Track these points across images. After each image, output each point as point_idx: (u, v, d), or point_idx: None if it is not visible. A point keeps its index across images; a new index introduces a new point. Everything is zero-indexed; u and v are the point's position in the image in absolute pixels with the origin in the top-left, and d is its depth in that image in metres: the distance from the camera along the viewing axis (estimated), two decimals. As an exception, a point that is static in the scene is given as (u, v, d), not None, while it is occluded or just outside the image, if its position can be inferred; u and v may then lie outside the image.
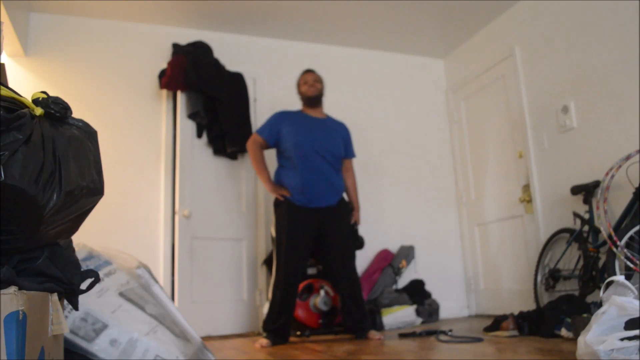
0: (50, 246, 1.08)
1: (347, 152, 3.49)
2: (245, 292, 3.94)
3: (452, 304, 4.48)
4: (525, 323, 2.90)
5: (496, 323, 2.98)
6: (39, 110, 1.01)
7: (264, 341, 3.05)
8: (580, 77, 3.49)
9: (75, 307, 1.20)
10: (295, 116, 3.41)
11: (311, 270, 3.68)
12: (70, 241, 1.25)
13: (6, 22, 3.20)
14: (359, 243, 3.57)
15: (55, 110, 1.04)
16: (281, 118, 3.39)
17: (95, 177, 1.11)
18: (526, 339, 2.73)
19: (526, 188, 3.96)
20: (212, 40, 4.15)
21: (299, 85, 3.47)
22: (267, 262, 3.82)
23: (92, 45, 3.96)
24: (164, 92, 4.03)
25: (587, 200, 3.25)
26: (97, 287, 1.77)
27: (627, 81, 3.14)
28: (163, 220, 3.86)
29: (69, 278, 1.11)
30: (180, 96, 3.91)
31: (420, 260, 4.46)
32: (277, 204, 3.32)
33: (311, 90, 3.39)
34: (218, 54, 4.13)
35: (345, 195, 3.49)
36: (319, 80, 3.44)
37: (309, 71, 3.48)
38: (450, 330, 3.15)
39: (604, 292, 1.89)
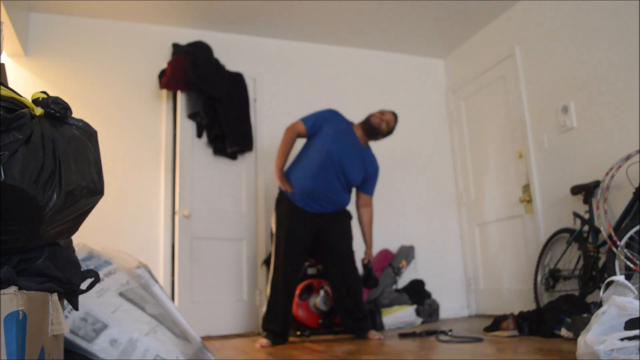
0: (50, 246, 1.08)
1: (366, 186, 3.39)
2: (245, 292, 3.94)
3: (452, 304, 4.48)
4: (525, 323, 2.90)
5: (496, 323, 2.98)
6: (39, 110, 1.01)
7: (264, 341, 3.05)
8: (580, 77, 3.49)
9: (75, 307, 1.20)
10: (343, 125, 3.34)
11: (311, 270, 3.68)
12: (70, 241, 1.25)
13: (6, 22, 3.20)
14: (374, 282, 3.43)
15: (55, 110, 1.04)
16: (330, 117, 3.34)
17: (95, 177, 1.11)
18: (526, 339, 2.73)
19: (526, 188, 3.96)
20: (212, 40, 4.15)
21: (374, 113, 3.37)
22: (267, 262, 3.82)
23: (92, 45, 3.96)
24: (164, 92, 4.03)
25: (587, 200, 3.25)
26: (97, 287, 1.77)
27: (627, 81, 3.14)
28: (163, 220, 3.86)
29: (69, 278, 1.11)
30: (180, 96, 3.91)
31: (420, 260, 4.46)
32: (279, 202, 3.32)
33: (380, 124, 3.30)
34: (218, 54, 4.13)
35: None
36: (392, 126, 3.36)
37: (394, 115, 3.39)
38: (450, 330, 3.15)
39: (604, 292, 1.89)
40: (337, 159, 3.20)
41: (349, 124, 3.40)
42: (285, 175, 3.28)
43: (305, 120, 3.32)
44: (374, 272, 3.48)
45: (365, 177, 3.36)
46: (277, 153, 3.30)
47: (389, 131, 3.38)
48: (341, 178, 3.24)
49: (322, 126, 3.29)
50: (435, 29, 4.46)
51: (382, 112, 3.37)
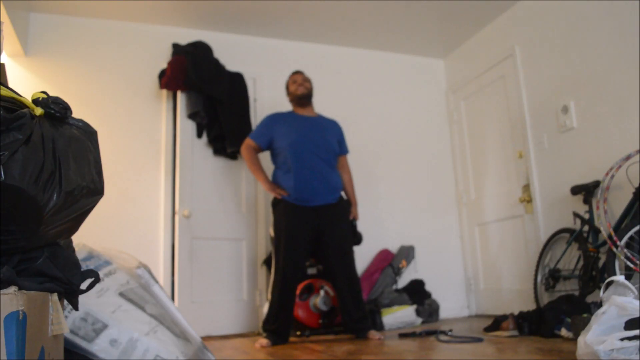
0: (50, 246, 1.08)
1: (341, 148, 3.52)
2: (245, 292, 3.94)
3: (452, 304, 4.48)
4: (525, 323, 2.90)
5: (496, 323, 2.98)
6: (39, 110, 1.01)
7: (264, 341, 3.05)
8: (580, 77, 3.49)
9: (75, 307, 1.20)
10: (287, 117, 3.44)
11: (311, 270, 3.68)
12: (70, 241, 1.25)
13: (6, 22, 3.20)
14: (357, 239, 3.58)
15: (55, 110, 1.04)
16: (273, 121, 3.42)
17: (95, 177, 1.11)
18: (526, 339, 2.73)
19: (526, 188, 3.96)
20: (212, 40, 4.15)
21: (287, 86, 3.51)
22: (267, 262, 3.82)
23: (92, 45, 3.96)
24: (164, 92, 4.03)
25: (587, 200, 3.25)
26: (97, 287, 1.77)
27: (627, 81, 3.14)
28: (163, 220, 3.86)
29: (69, 278, 1.11)
30: (180, 96, 3.91)
31: (420, 260, 4.46)
32: (275, 204, 3.33)
33: (300, 89, 3.42)
34: (218, 54, 4.13)
35: (343, 193, 3.49)
36: (307, 79, 3.48)
37: (297, 72, 3.53)
38: (450, 330, 3.15)
39: (604, 292, 1.89)
40: (309, 144, 3.28)
41: (290, 112, 3.49)
42: (279, 197, 3.32)
43: (253, 136, 3.44)
44: (358, 230, 3.60)
45: (338, 140, 3.47)
46: (252, 172, 3.42)
47: (310, 88, 3.45)
48: (321, 154, 3.30)
49: (272, 132, 3.37)
50: (435, 29, 4.46)
51: (293, 81, 3.47)
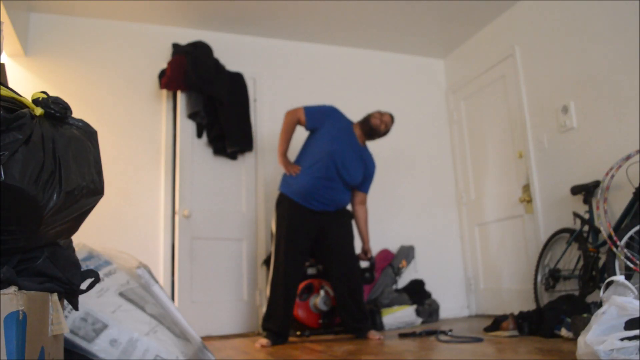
0: (50, 246, 1.08)
1: (364, 185, 3.45)
2: (245, 292, 3.94)
3: (452, 304, 4.48)
4: (525, 323, 2.90)
5: (496, 323, 2.98)
6: (39, 110, 1.01)
7: (263, 341, 3.06)
8: (580, 77, 3.49)
9: (75, 307, 1.20)
10: (343, 124, 3.38)
11: (311, 270, 3.68)
12: (70, 241, 1.25)
13: (6, 22, 3.20)
14: (371, 277, 3.58)
15: (55, 110, 1.04)
16: (332, 114, 3.38)
17: (95, 177, 1.11)
18: (526, 339, 2.72)
19: (526, 188, 3.96)
20: (212, 40, 4.15)
21: (371, 115, 3.41)
22: (267, 262, 3.81)
23: (92, 45, 3.96)
24: (164, 92, 4.03)
25: (587, 200, 3.25)
26: (97, 287, 1.77)
27: (627, 81, 3.14)
28: (163, 220, 3.86)
29: (69, 278, 1.11)
30: (180, 96, 3.91)
31: (420, 260, 4.46)
32: (279, 203, 3.33)
33: (381, 126, 3.36)
34: (218, 54, 4.13)
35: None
36: (389, 128, 3.43)
37: (392, 117, 3.46)
38: (450, 330, 3.15)
39: (604, 292, 1.89)
40: (339, 160, 3.24)
41: (349, 123, 3.43)
42: (289, 174, 3.29)
43: (307, 110, 3.35)
44: (374, 269, 3.62)
45: (365, 177, 3.41)
46: (279, 137, 3.34)
47: (386, 132, 3.44)
48: (344, 178, 3.27)
49: (323, 122, 3.33)
50: (435, 29, 4.46)
51: (380, 113, 3.42)
